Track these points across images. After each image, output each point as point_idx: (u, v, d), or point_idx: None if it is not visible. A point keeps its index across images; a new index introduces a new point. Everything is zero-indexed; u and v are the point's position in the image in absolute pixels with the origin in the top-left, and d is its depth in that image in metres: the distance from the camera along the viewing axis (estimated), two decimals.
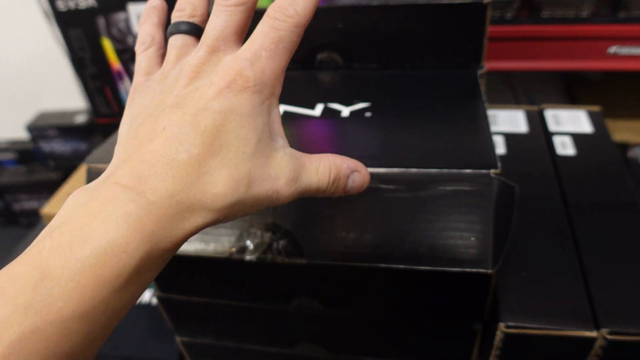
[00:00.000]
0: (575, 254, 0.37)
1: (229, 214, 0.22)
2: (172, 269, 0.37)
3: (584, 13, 0.70)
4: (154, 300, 0.57)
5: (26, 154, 1.65)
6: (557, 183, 0.43)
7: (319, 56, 0.47)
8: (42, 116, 1.56)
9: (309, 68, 0.47)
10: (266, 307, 0.41)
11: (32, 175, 1.62)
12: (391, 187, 0.31)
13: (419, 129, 0.35)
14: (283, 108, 0.40)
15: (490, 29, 0.69)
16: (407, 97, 0.40)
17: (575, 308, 0.33)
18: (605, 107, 0.81)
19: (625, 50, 0.71)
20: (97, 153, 0.38)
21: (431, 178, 0.31)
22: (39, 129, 1.52)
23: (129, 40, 0.71)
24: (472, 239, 0.30)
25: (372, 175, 0.30)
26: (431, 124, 0.36)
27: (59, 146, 1.56)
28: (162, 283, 0.43)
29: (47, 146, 1.56)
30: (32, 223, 1.65)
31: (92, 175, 0.36)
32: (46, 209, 0.66)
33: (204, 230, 0.32)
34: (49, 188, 1.63)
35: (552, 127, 0.50)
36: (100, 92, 0.77)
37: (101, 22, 0.70)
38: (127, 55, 0.72)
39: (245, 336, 0.45)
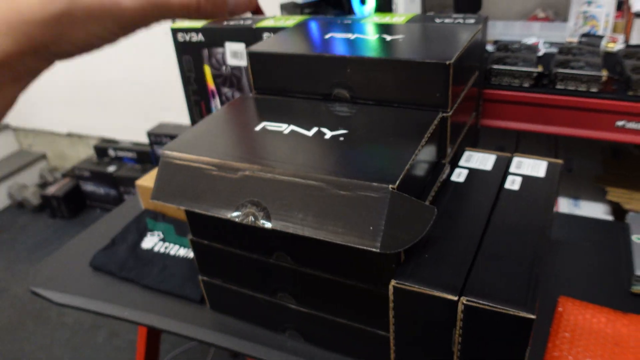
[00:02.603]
0: (474, 252, 0.49)
1: (59, 31, 0.20)
2: (200, 220, 0.55)
3: (594, 89, 0.80)
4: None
5: (143, 155, 2.00)
6: (491, 208, 0.56)
7: (334, 91, 0.64)
8: (161, 126, 1.89)
9: (327, 99, 0.65)
10: (257, 258, 0.58)
11: (144, 173, 1.95)
12: (330, 187, 0.47)
13: (365, 153, 0.51)
14: (291, 128, 0.58)
15: (509, 94, 0.83)
16: (376, 130, 0.56)
17: (451, 281, 0.46)
18: (635, 180, 0.89)
19: (632, 124, 0.79)
20: (170, 144, 0.57)
21: (353, 185, 0.46)
22: (157, 135, 1.85)
23: (223, 69, 0.94)
24: (371, 228, 0.45)
25: (320, 179, 0.47)
26: (375, 151, 0.51)
27: None
28: (194, 229, 0.61)
29: (160, 151, 1.89)
30: None
31: (163, 160, 0.56)
32: (139, 181, 0.89)
33: (217, 197, 0.50)
34: None
35: (512, 169, 0.63)
36: (197, 105, 1.01)
37: (205, 52, 0.94)
38: (220, 79, 0.95)
39: (242, 282, 0.62)
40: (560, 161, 0.64)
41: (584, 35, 0.99)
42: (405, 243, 0.46)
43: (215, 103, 0.99)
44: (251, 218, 0.49)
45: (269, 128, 0.59)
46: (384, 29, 0.72)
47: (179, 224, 0.84)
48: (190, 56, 0.96)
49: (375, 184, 0.45)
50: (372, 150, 0.52)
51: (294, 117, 0.61)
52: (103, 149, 2.07)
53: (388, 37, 0.67)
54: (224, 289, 0.64)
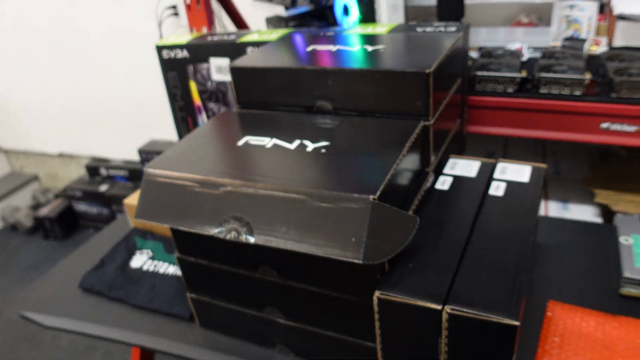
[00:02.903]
0: (458, 260, 0.49)
1: None
2: (185, 237, 0.55)
3: (578, 92, 0.80)
4: None
5: (135, 173, 1.99)
6: (475, 215, 0.56)
7: (317, 103, 0.65)
8: (152, 143, 1.89)
9: (309, 111, 0.65)
10: (243, 273, 0.58)
11: (136, 191, 1.95)
12: (311, 199, 0.47)
13: (346, 165, 0.51)
14: (274, 141, 0.58)
15: (493, 100, 0.84)
16: (358, 141, 0.56)
17: (435, 290, 0.45)
18: (622, 181, 0.89)
19: (617, 126, 0.80)
20: (153, 162, 0.57)
21: (334, 197, 0.46)
22: (148, 152, 1.85)
23: (208, 84, 0.94)
24: (353, 239, 0.45)
25: (302, 191, 0.47)
26: (357, 162, 0.51)
27: None
28: (181, 246, 0.61)
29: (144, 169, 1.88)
30: None
31: (146, 177, 0.55)
32: (127, 200, 0.88)
33: (200, 214, 0.50)
34: None
35: (496, 175, 0.63)
36: (184, 121, 1.01)
37: (190, 68, 0.94)
38: (206, 95, 0.96)
39: (230, 298, 0.62)
40: (544, 165, 0.65)
41: (567, 39, 1.00)
42: (388, 253, 0.45)
43: (202, 118, 0.99)
44: (234, 233, 0.49)
45: (252, 142, 0.59)
46: (366, 39, 0.73)
47: (167, 241, 0.84)
48: (175, 73, 0.96)
49: (355, 194, 0.45)
50: (353, 161, 0.52)
51: (277, 130, 0.61)
52: (95, 168, 2.07)
53: (370, 48, 0.68)
54: (213, 306, 0.64)
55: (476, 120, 0.87)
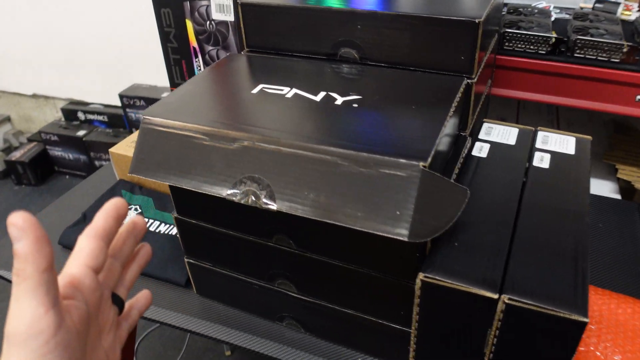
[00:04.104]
0: (509, 240, 0.43)
1: None
2: (187, 196, 0.47)
3: (616, 59, 0.74)
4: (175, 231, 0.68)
5: (115, 119, 1.87)
6: (521, 187, 0.50)
7: (341, 51, 0.56)
8: (134, 87, 1.77)
9: (332, 60, 0.57)
10: (254, 240, 0.51)
11: (116, 138, 1.83)
12: (347, 162, 0.40)
13: (386, 123, 0.43)
14: (294, 91, 0.49)
15: (523, 61, 0.76)
16: (393, 96, 0.48)
17: (488, 275, 0.39)
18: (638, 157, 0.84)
19: None
20: (152, 108, 0.48)
21: (376, 161, 0.39)
22: (130, 97, 1.73)
23: (207, 24, 0.84)
24: (397, 212, 0.38)
25: (335, 153, 0.39)
26: (397, 120, 0.44)
27: None
28: (180, 206, 0.53)
29: (133, 115, 1.76)
30: None
31: (144, 126, 0.47)
32: (114, 149, 0.79)
33: (209, 172, 0.42)
34: None
35: (538, 144, 0.56)
36: (177, 65, 0.91)
37: (187, 5, 0.83)
38: (204, 36, 0.85)
39: (235, 266, 0.55)
40: (589, 137, 0.58)
41: (598, 1, 0.92)
42: (436, 230, 0.39)
43: (198, 62, 0.89)
44: (251, 198, 0.42)
45: (268, 91, 0.50)
46: None
47: (158, 196, 0.76)
48: (169, 10, 0.85)
49: (402, 160, 0.38)
50: (393, 120, 0.44)
51: (295, 78, 0.53)
52: (72, 111, 1.94)
53: None
54: (214, 273, 0.57)
55: (502, 82, 0.80)
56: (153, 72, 1.76)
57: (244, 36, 0.61)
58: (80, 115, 1.93)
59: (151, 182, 0.78)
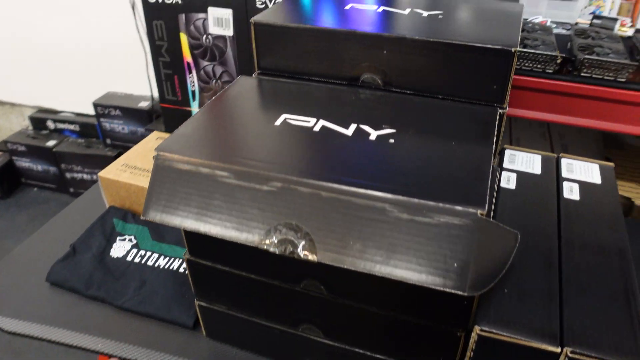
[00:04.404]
0: (558, 283, 0.41)
1: None
2: (202, 237, 0.44)
3: (622, 78, 0.73)
4: (182, 269, 0.63)
5: (88, 128, 1.78)
6: (557, 222, 0.48)
7: (363, 76, 0.53)
8: (109, 96, 1.69)
9: (353, 85, 0.54)
10: (278, 285, 0.47)
11: (89, 149, 1.74)
12: (395, 209, 0.36)
13: (429, 162, 0.40)
14: (322, 123, 0.46)
15: (530, 80, 0.74)
16: (429, 129, 0.45)
17: (546, 325, 0.37)
18: (635, 173, 0.84)
19: None
20: (166, 143, 0.44)
21: (429, 208, 0.36)
22: (104, 106, 1.64)
23: (203, 38, 0.79)
24: (455, 265, 0.35)
25: (382, 198, 0.36)
26: (440, 158, 0.41)
27: (118, 126, 1.68)
28: (193, 247, 0.49)
29: (107, 124, 1.68)
30: (79, 194, 1.77)
31: (159, 163, 0.42)
32: (103, 173, 0.74)
33: (238, 216, 0.38)
34: (102, 163, 1.75)
35: (564, 173, 0.54)
36: (169, 79, 0.86)
37: (182, 18, 0.79)
38: (199, 51, 0.81)
39: (254, 310, 0.51)
40: (611, 164, 0.57)
41: (596, 17, 0.92)
42: (492, 279, 0.36)
43: (192, 78, 0.84)
44: (289, 247, 0.38)
45: (293, 122, 0.47)
46: (409, 1, 0.61)
47: (154, 225, 0.71)
48: (162, 22, 0.80)
49: (458, 207, 0.35)
50: (434, 157, 0.41)
51: (319, 107, 0.49)
52: (41, 120, 1.83)
53: (424, 13, 0.56)
54: (228, 316, 0.53)
55: (510, 102, 0.78)
56: (129, 79, 1.69)
57: (255, 57, 0.57)
58: (50, 124, 1.83)
59: None
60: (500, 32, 0.50)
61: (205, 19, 0.77)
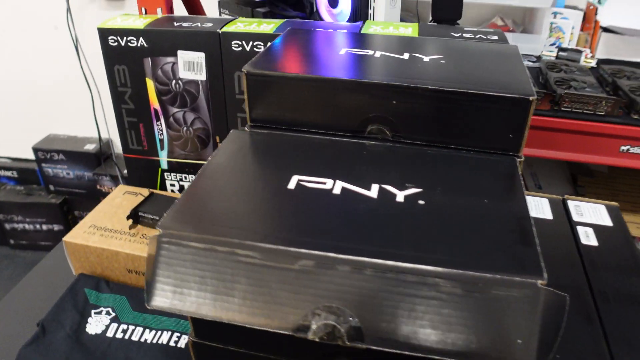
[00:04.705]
0: (604, 340, 0.39)
1: None
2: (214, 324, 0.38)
3: (601, 111, 0.75)
4: (172, 342, 0.57)
5: (27, 174, 1.65)
6: (584, 272, 0.46)
7: (370, 127, 0.50)
8: (51, 139, 1.57)
9: (358, 137, 0.50)
10: None
11: (30, 197, 1.61)
12: (448, 284, 0.33)
13: (468, 225, 0.38)
14: (341, 184, 0.42)
15: None
16: (455, 186, 0.43)
17: None
18: (613, 199, 0.85)
19: (636, 149, 0.75)
20: (170, 218, 0.38)
21: (486, 281, 0.33)
22: (45, 151, 1.52)
23: (172, 83, 0.74)
24: (519, 341, 0.32)
25: (433, 273, 0.33)
26: (478, 220, 0.38)
27: (62, 171, 1.56)
28: (199, 328, 0.43)
29: (50, 170, 1.56)
30: (21, 245, 1.62)
31: (164, 244, 0.37)
32: (68, 238, 0.66)
33: (267, 300, 0.34)
34: (45, 212, 1.61)
35: (575, 217, 0.54)
36: (134, 128, 0.79)
37: (148, 62, 0.73)
38: (168, 97, 0.75)
39: None
40: (616, 204, 0.57)
41: (561, 49, 0.95)
42: (551, 347, 0.33)
43: (160, 126, 0.78)
44: (331, 334, 0.34)
45: (307, 185, 0.43)
46: (405, 45, 0.59)
47: (132, 293, 0.64)
48: (125, 67, 0.75)
49: (517, 278, 0.32)
50: (472, 220, 0.39)
51: (331, 165, 0.46)
52: None
53: (424, 57, 0.54)
54: None
55: None
56: (71, 121, 1.58)
57: (247, 109, 0.53)
58: None
59: (120, 274, 0.66)
60: (511, 78, 0.49)
61: (174, 63, 0.72)
